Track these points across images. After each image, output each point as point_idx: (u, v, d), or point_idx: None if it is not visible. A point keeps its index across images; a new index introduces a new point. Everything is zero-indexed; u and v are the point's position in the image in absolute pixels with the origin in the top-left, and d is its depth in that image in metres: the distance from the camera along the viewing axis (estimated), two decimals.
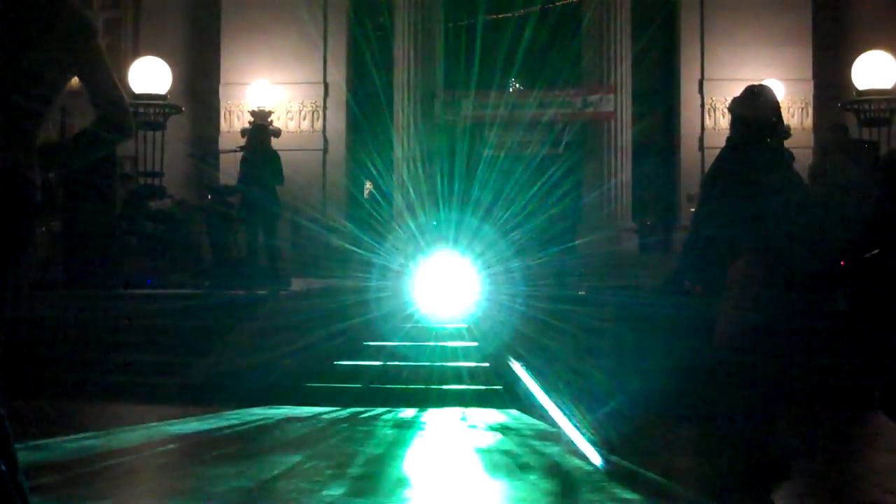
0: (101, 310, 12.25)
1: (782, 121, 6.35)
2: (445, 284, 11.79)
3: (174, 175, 20.06)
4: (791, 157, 6.35)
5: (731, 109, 6.35)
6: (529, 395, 8.62)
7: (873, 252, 6.02)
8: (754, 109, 6.15)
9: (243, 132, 17.80)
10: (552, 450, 7.00)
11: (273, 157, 13.97)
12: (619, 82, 21.06)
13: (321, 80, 22.20)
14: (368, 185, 23.96)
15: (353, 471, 6.23)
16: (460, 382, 9.75)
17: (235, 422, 8.43)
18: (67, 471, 5.98)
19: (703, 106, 21.57)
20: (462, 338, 10.78)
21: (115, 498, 5.71)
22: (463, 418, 8.77)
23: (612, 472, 6.13)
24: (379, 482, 5.94)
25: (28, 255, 3.29)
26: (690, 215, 18.06)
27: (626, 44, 21.24)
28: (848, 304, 6.31)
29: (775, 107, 6.25)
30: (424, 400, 9.34)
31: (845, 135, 13.94)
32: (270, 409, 9.08)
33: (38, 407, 8.62)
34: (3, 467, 3.02)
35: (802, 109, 20.89)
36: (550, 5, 23.38)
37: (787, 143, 6.42)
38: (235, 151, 15.07)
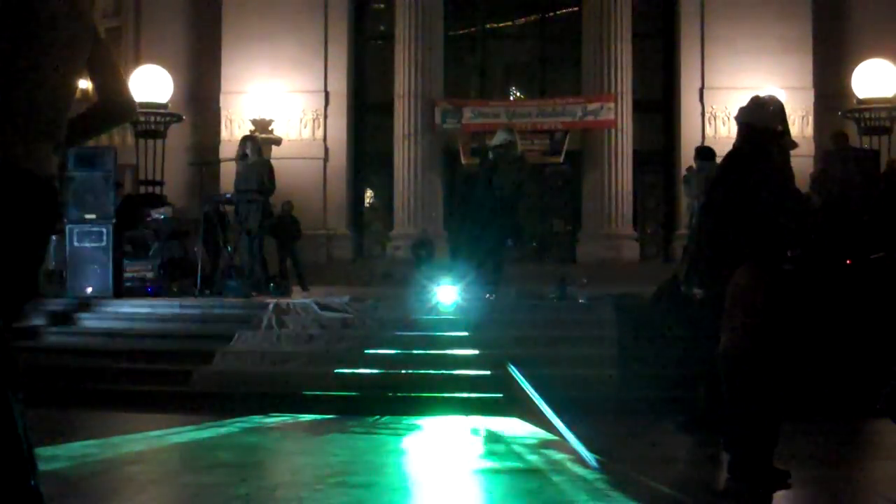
0: (102, 317, 12.27)
1: (788, 130, 6.35)
2: (446, 292, 11.79)
3: (175, 183, 20.10)
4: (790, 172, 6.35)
5: (737, 118, 6.36)
6: (529, 403, 8.61)
7: (878, 254, 6.04)
8: (760, 118, 6.16)
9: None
10: (552, 457, 6.99)
11: (262, 167, 14.01)
12: (619, 91, 21.08)
13: (322, 88, 22.22)
14: (369, 194, 23.99)
15: (354, 479, 6.22)
16: (460, 390, 9.74)
17: (235, 430, 8.42)
18: (67, 479, 5.97)
19: (703, 114, 21.59)
20: (462, 345, 10.77)
21: None
22: (463, 426, 8.76)
23: (612, 480, 6.12)
24: (379, 490, 5.93)
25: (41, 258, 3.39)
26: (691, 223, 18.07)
27: (626, 52, 21.27)
28: (851, 305, 6.31)
29: (781, 116, 6.27)
30: (424, 408, 9.32)
31: (846, 143, 13.96)
32: (270, 416, 9.07)
33: (38, 415, 8.60)
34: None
35: (803, 118, 20.90)
36: (551, 14, 23.43)
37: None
38: (232, 160, 15.17)
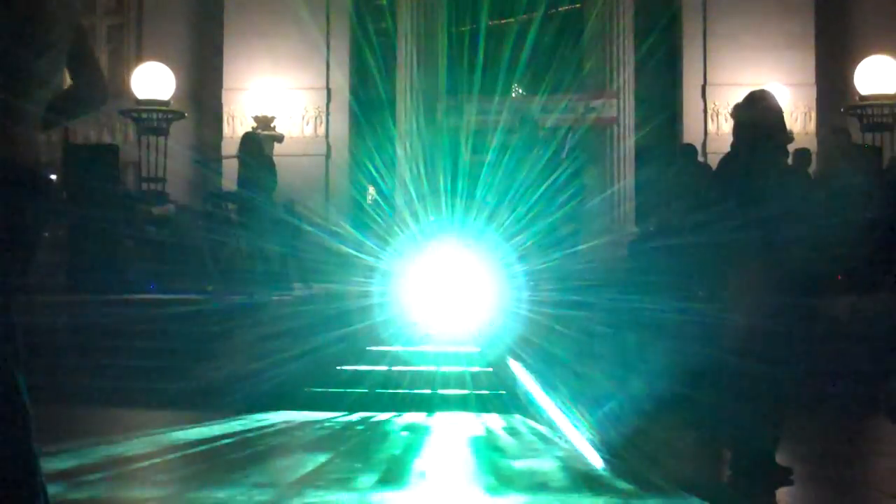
0: (105, 314, 12.27)
1: (785, 126, 6.34)
2: (448, 288, 11.78)
3: (177, 180, 20.08)
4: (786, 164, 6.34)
5: (733, 115, 6.36)
6: (532, 400, 8.62)
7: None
8: (757, 114, 6.15)
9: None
10: (555, 454, 7.00)
11: (265, 163, 14.02)
12: (621, 87, 21.06)
13: (324, 84, 22.21)
14: (371, 191, 23.99)
15: (356, 475, 6.23)
16: (463, 387, 9.74)
17: (239, 427, 8.43)
18: (71, 477, 5.97)
19: (705, 111, 21.56)
20: (465, 342, 10.77)
21: None
22: (466, 423, 8.77)
23: (615, 476, 6.13)
24: (381, 487, 5.94)
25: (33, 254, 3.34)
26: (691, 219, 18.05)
27: (628, 49, 21.24)
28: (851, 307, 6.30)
29: (778, 112, 6.26)
30: (427, 405, 9.34)
31: (847, 138, 13.92)
32: (274, 413, 9.07)
33: (41, 413, 8.61)
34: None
35: (805, 114, 20.87)
36: (553, 11, 23.41)
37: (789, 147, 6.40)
38: (234, 157, 15.18)
